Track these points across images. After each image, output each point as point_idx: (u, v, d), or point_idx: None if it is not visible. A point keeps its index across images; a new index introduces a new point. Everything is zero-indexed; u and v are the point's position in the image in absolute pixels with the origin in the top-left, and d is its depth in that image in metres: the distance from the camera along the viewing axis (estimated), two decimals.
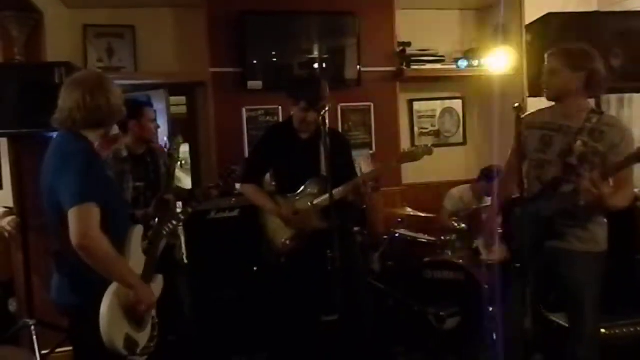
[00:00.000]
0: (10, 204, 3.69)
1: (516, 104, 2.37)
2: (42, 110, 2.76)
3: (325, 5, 4.46)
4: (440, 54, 4.89)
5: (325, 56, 4.46)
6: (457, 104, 5.27)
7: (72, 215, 1.94)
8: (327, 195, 2.69)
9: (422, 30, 4.93)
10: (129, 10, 4.43)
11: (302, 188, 3.06)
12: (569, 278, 2.52)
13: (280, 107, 4.39)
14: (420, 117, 5.19)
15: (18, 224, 3.57)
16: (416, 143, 5.11)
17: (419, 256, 3.99)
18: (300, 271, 3.03)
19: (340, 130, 4.44)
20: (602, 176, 2.28)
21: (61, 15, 4.24)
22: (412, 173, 4.65)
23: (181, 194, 3.21)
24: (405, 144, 4.93)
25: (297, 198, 3.06)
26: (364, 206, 4.11)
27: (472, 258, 3.87)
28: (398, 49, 4.70)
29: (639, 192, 3.29)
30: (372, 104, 4.67)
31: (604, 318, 2.73)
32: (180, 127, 4.67)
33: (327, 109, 2.66)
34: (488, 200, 4.29)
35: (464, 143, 5.32)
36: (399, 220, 4.25)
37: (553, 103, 2.60)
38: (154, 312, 2.30)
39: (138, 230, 2.28)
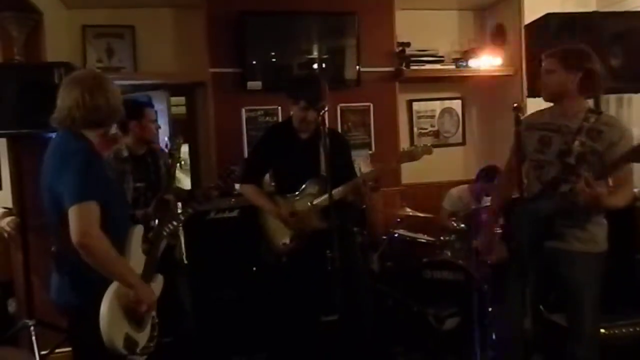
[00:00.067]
0: (10, 204, 3.69)
1: (515, 104, 2.38)
2: (41, 110, 2.75)
3: (324, 6, 4.46)
4: (439, 54, 4.90)
5: (325, 56, 4.46)
6: (456, 104, 5.28)
7: (72, 213, 1.94)
8: (326, 196, 2.69)
9: (421, 30, 4.93)
10: (129, 11, 4.43)
11: (301, 188, 3.06)
12: (568, 278, 2.52)
13: (279, 108, 4.39)
14: (419, 117, 5.20)
15: (17, 225, 3.57)
16: (415, 143, 5.11)
17: (418, 256, 3.99)
18: (299, 271, 3.03)
19: (339, 130, 4.43)
20: (597, 176, 2.29)
21: (61, 15, 4.24)
22: (411, 173, 4.65)
23: (181, 194, 3.21)
24: (404, 144, 4.92)
25: (297, 198, 3.06)
26: (364, 206, 4.11)
27: (471, 258, 3.87)
28: (397, 49, 4.70)
29: (639, 192, 3.29)
30: (372, 104, 4.67)
31: (603, 318, 2.74)
32: (180, 128, 4.67)
33: (326, 109, 2.66)
34: (487, 200, 4.30)
35: (463, 143, 5.32)
36: (398, 220, 4.24)
37: (551, 104, 2.61)
38: (154, 312, 2.30)
39: (138, 231, 2.28)
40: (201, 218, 3.66)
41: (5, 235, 3.63)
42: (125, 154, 3.13)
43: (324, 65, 4.44)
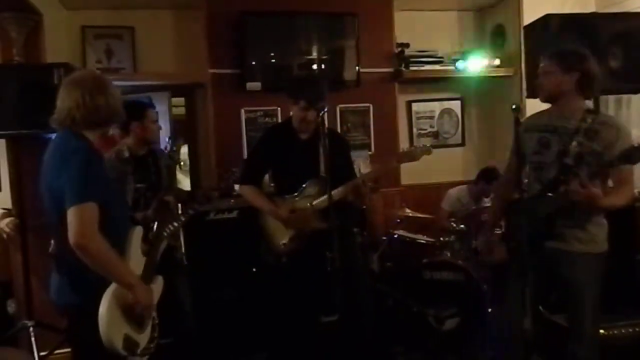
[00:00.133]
0: (9, 205, 3.68)
1: (514, 105, 2.39)
2: (41, 111, 2.76)
3: (324, 6, 4.47)
4: (438, 55, 4.91)
5: (324, 57, 4.46)
6: (455, 105, 5.29)
7: (71, 214, 1.94)
8: (326, 196, 2.69)
9: (420, 31, 4.94)
10: (128, 12, 4.44)
11: (301, 189, 3.06)
12: (569, 278, 2.52)
13: (279, 108, 4.40)
14: (418, 117, 5.21)
15: (17, 225, 3.56)
16: (415, 144, 5.12)
17: (418, 257, 3.99)
18: (299, 271, 3.03)
19: (339, 130, 4.44)
20: (594, 175, 2.29)
21: (60, 16, 4.24)
22: (410, 174, 4.65)
23: (181, 195, 3.21)
24: (404, 145, 4.92)
25: (296, 199, 3.06)
26: (364, 207, 4.11)
27: (471, 258, 3.88)
28: (397, 50, 4.71)
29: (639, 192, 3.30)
30: (371, 105, 4.68)
31: (603, 318, 2.74)
32: (179, 128, 4.68)
33: (325, 109, 2.66)
34: (486, 202, 4.30)
35: (462, 144, 5.33)
36: (398, 221, 4.25)
37: (549, 105, 2.62)
38: (154, 313, 2.30)
39: (138, 232, 2.28)
40: (201, 219, 3.66)
41: (5, 236, 3.63)
42: (127, 154, 3.13)
43: (323, 66, 4.45)
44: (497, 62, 4.84)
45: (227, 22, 4.32)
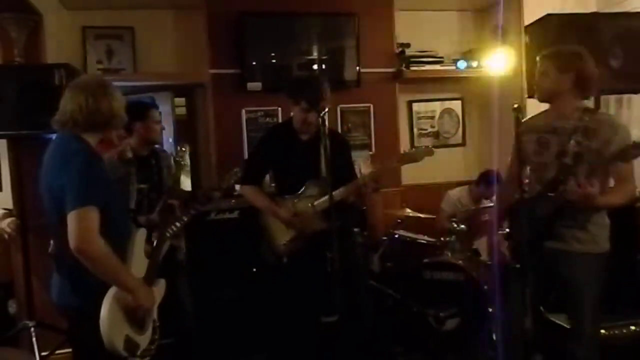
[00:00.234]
0: (10, 205, 3.69)
1: (515, 105, 2.39)
2: (41, 111, 2.77)
3: (324, 7, 4.47)
4: (439, 55, 4.90)
5: (325, 57, 4.46)
6: (456, 105, 5.28)
7: (72, 218, 1.94)
8: (327, 197, 2.69)
9: (421, 31, 4.94)
10: (128, 12, 4.43)
11: (301, 190, 3.06)
12: (568, 278, 2.52)
13: (279, 108, 4.40)
14: (419, 118, 5.20)
15: (18, 226, 3.57)
16: (415, 144, 5.13)
17: (418, 257, 3.99)
18: (300, 272, 3.03)
19: (339, 131, 4.43)
20: (592, 174, 2.29)
21: (60, 16, 4.24)
22: (411, 174, 4.65)
23: (183, 195, 3.21)
24: (404, 145, 4.93)
25: (297, 200, 3.06)
26: (364, 207, 4.11)
27: (471, 259, 3.88)
28: (397, 50, 4.71)
29: None
30: (372, 105, 4.68)
31: (603, 318, 2.74)
32: (179, 128, 4.68)
33: (326, 109, 2.66)
34: (486, 203, 4.30)
35: (463, 144, 5.33)
36: (399, 221, 4.25)
37: (548, 106, 2.62)
38: (155, 315, 2.30)
39: (141, 234, 2.29)
40: (202, 219, 3.67)
41: (6, 236, 3.63)
42: (130, 154, 3.13)
43: (323, 66, 4.45)
44: (497, 62, 4.83)
45: (227, 22, 4.32)
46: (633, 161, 2.42)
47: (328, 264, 2.67)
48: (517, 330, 2.50)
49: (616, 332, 3.23)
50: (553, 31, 3.34)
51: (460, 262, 3.79)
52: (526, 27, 3.76)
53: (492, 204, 4.08)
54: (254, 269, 3.76)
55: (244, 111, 4.40)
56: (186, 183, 4.74)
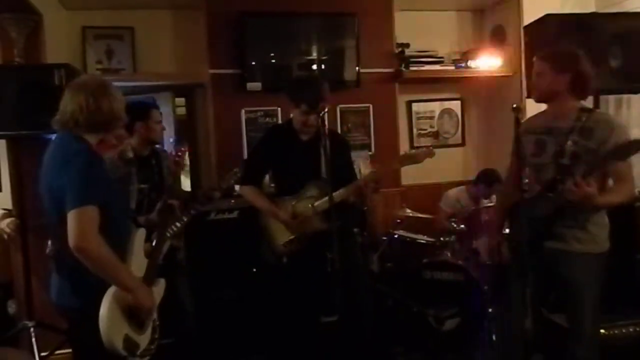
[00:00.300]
0: (10, 205, 3.69)
1: (515, 105, 2.40)
2: (41, 111, 2.77)
3: (324, 7, 4.46)
4: (439, 55, 4.90)
5: (324, 57, 4.45)
6: (455, 105, 5.29)
7: (71, 217, 1.95)
8: (327, 198, 2.69)
9: (420, 31, 4.94)
10: (128, 12, 4.43)
11: (301, 190, 3.06)
12: (568, 278, 2.52)
13: (279, 109, 4.39)
14: (419, 118, 5.21)
15: (17, 226, 3.57)
16: (415, 144, 5.13)
17: (418, 257, 3.99)
18: (300, 272, 3.03)
19: (339, 131, 4.43)
20: (588, 173, 2.30)
21: (60, 16, 4.24)
22: (411, 174, 4.64)
23: (183, 195, 3.21)
24: (404, 145, 4.93)
25: (297, 200, 3.06)
26: (365, 207, 4.11)
27: (471, 259, 3.88)
28: (397, 50, 4.71)
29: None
30: (371, 105, 4.67)
31: (603, 318, 2.74)
32: (179, 129, 4.68)
33: (326, 110, 2.65)
34: (485, 202, 4.30)
35: (462, 144, 5.33)
36: (398, 221, 4.24)
37: (545, 107, 2.63)
38: (155, 315, 2.30)
39: (140, 234, 2.29)
40: (201, 219, 3.66)
41: (5, 236, 3.63)
42: (131, 154, 3.13)
43: (323, 66, 4.44)
44: (497, 62, 4.84)
45: (227, 23, 4.32)
46: (632, 161, 2.43)
47: (328, 264, 2.66)
48: (518, 330, 2.50)
49: (616, 332, 3.23)
50: (552, 31, 3.35)
51: (460, 262, 3.79)
52: (525, 27, 3.77)
53: (492, 204, 4.09)
54: (254, 269, 3.76)
55: (243, 111, 4.39)
56: (186, 183, 4.75)
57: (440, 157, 3.10)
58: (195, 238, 3.68)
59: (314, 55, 4.44)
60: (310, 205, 3.01)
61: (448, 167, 5.05)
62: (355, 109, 4.65)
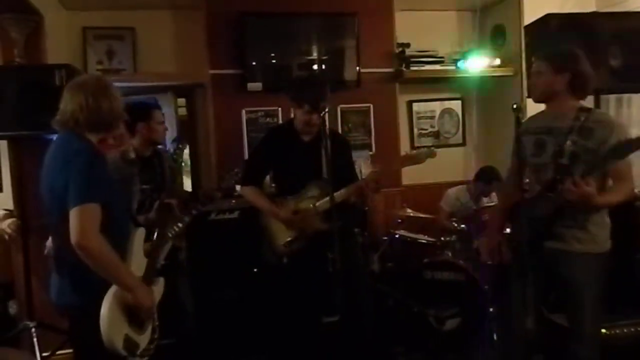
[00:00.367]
0: (10, 206, 3.69)
1: (515, 105, 2.39)
2: (42, 112, 2.77)
3: (324, 7, 4.46)
4: (439, 55, 4.91)
5: (325, 57, 4.46)
6: (456, 105, 5.29)
7: (73, 215, 1.95)
8: (329, 198, 2.69)
9: (421, 31, 4.94)
10: (129, 12, 4.44)
11: (302, 190, 3.06)
12: (568, 278, 2.52)
13: (280, 109, 4.40)
14: (419, 118, 5.21)
15: (18, 227, 3.57)
16: (415, 144, 5.13)
17: (418, 257, 3.99)
18: (301, 272, 3.03)
19: (339, 131, 4.43)
20: (588, 172, 2.30)
21: (60, 17, 4.25)
22: (411, 174, 4.64)
23: (184, 195, 3.21)
24: (404, 145, 4.94)
25: (298, 201, 3.06)
26: (366, 208, 4.11)
27: (472, 259, 3.88)
28: (397, 50, 4.71)
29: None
30: (372, 105, 4.67)
31: (604, 318, 2.73)
32: (180, 129, 4.68)
33: (326, 110, 2.65)
34: (485, 201, 4.31)
35: (463, 144, 5.33)
36: (399, 221, 4.25)
37: (544, 107, 2.63)
38: (154, 315, 2.30)
39: (140, 233, 2.29)
40: (202, 219, 3.67)
41: (6, 237, 3.63)
42: (133, 155, 3.13)
43: (323, 66, 4.44)
44: (497, 61, 4.84)
45: (227, 23, 4.32)
46: (631, 160, 2.42)
47: (329, 264, 2.66)
48: (518, 330, 2.50)
49: (617, 332, 3.23)
50: (553, 31, 3.35)
51: (461, 261, 3.79)
52: (526, 26, 3.77)
53: (492, 204, 4.09)
54: (255, 269, 3.76)
55: (244, 111, 4.40)
56: (186, 183, 4.75)
57: (440, 157, 3.10)
58: (196, 238, 3.67)
59: (315, 55, 4.45)
60: (311, 205, 3.01)
61: (449, 167, 5.05)
62: (355, 109, 4.65)
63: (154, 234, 2.58)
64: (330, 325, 3.20)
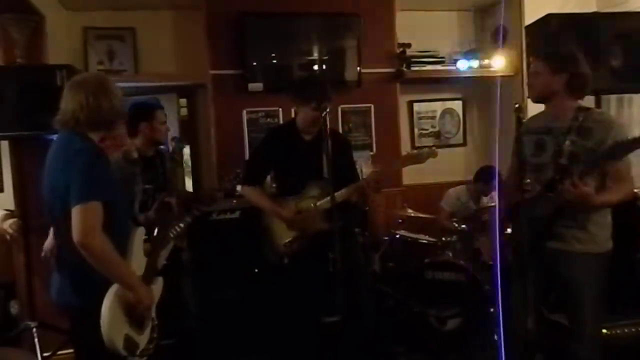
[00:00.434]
0: (12, 206, 3.69)
1: (516, 105, 2.40)
2: (43, 112, 2.77)
3: (325, 7, 4.46)
4: (440, 55, 4.91)
5: (325, 57, 4.46)
6: (457, 105, 5.29)
7: (76, 213, 1.96)
8: (329, 197, 2.69)
9: (422, 31, 4.93)
10: (129, 13, 4.44)
11: (303, 190, 3.06)
12: (568, 278, 2.52)
13: (280, 109, 4.40)
14: (420, 118, 5.21)
15: (19, 227, 3.58)
16: (416, 144, 5.13)
17: (419, 257, 3.99)
18: (302, 272, 3.04)
19: (340, 131, 4.43)
20: (587, 172, 2.30)
21: (61, 17, 4.25)
22: (412, 174, 4.64)
23: (186, 195, 3.21)
24: (405, 145, 4.94)
25: (299, 200, 3.06)
26: (367, 207, 4.11)
27: (473, 259, 3.88)
28: (398, 50, 4.71)
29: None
30: (373, 105, 4.67)
31: (604, 318, 2.73)
32: (181, 129, 4.69)
33: (327, 109, 2.66)
34: (485, 200, 4.31)
35: (464, 144, 5.33)
36: (400, 221, 4.25)
37: (543, 107, 2.63)
38: (153, 314, 2.31)
39: (140, 232, 2.29)
40: (203, 219, 3.66)
41: (8, 237, 3.63)
42: (135, 155, 3.12)
43: (324, 66, 4.44)
44: (498, 62, 4.84)
45: (228, 23, 4.32)
46: (630, 160, 2.42)
47: (330, 264, 2.66)
48: (519, 330, 2.50)
49: (618, 331, 3.23)
50: (553, 31, 3.35)
51: (461, 261, 3.79)
52: (527, 26, 3.78)
53: (493, 204, 4.09)
54: (256, 270, 3.76)
55: (245, 112, 4.40)
56: (187, 184, 4.75)
57: (441, 157, 3.10)
58: (197, 238, 3.68)
59: (315, 55, 4.45)
60: (312, 205, 3.02)
61: (449, 167, 5.04)
62: (356, 109, 4.65)
63: (153, 233, 2.59)
64: (331, 325, 3.21)
